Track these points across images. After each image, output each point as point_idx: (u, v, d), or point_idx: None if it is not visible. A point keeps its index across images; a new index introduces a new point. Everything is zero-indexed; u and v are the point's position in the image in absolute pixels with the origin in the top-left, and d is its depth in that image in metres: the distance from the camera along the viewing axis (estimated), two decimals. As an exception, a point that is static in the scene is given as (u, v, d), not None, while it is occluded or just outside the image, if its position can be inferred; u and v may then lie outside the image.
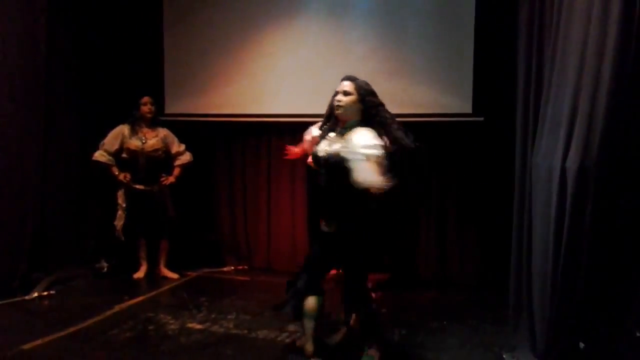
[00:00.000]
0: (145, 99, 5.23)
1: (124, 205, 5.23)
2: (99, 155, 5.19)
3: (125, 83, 5.58)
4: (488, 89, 4.88)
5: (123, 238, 5.27)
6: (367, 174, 2.86)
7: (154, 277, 5.35)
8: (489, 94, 4.87)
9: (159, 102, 5.55)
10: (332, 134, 3.27)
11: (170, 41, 5.76)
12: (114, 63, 5.67)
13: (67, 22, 5.29)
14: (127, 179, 5.18)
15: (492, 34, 4.84)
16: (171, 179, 5.29)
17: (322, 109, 5.14)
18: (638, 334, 2.62)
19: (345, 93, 3.19)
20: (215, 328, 4.04)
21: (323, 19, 5.34)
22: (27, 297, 4.63)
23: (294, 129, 5.46)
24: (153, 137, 5.24)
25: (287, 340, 3.81)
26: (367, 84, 3.24)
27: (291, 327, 3.94)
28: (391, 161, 2.99)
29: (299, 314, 3.37)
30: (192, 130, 5.55)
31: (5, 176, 4.63)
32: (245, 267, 5.78)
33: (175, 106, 5.74)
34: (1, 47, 4.55)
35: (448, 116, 4.99)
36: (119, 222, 5.24)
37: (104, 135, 5.22)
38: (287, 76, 5.39)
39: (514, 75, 3.64)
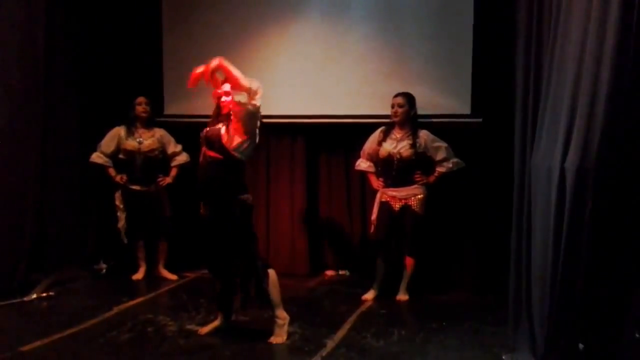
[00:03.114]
0: (140, 99, 5.22)
1: (121, 206, 5.23)
2: (96, 157, 5.20)
3: (125, 84, 5.56)
4: (486, 89, 4.87)
5: (126, 240, 5.27)
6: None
7: (152, 278, 5.35)
8: (488, 94, 4.86)
9: (158, 103, 5.55)
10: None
11: (170, 42, 5.74)
12: (114, 64, 5.66)
13: (67, 23, 5.26)
14: (124, 180, 5.18)
15: (490, 34, 4.83)
16: (168, 180, 5.29)
17: (321, 110, 5.29)
18: (637, 335, 2.62)
19: (227, 94, 3.84)
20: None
21: (321, 21, 5.32)
22: (26, 299, 4.63)
23: (293, 130, 5.50)
24: (149, 137, 5.24)
25: (287, 342, 3.81)
26: None
27: (290, 329, 3.93)
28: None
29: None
30: (191, 130, 5.52)
31: (4, 177, 4.63)
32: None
33: (174, 107, 5.72)
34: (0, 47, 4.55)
35: (446, 117, 4.97)
36: (120, 224, 5.24)
37: (104, 136, 5.22)
38: (286, 77, 5.37)
39: (512, 76, 3.63)
